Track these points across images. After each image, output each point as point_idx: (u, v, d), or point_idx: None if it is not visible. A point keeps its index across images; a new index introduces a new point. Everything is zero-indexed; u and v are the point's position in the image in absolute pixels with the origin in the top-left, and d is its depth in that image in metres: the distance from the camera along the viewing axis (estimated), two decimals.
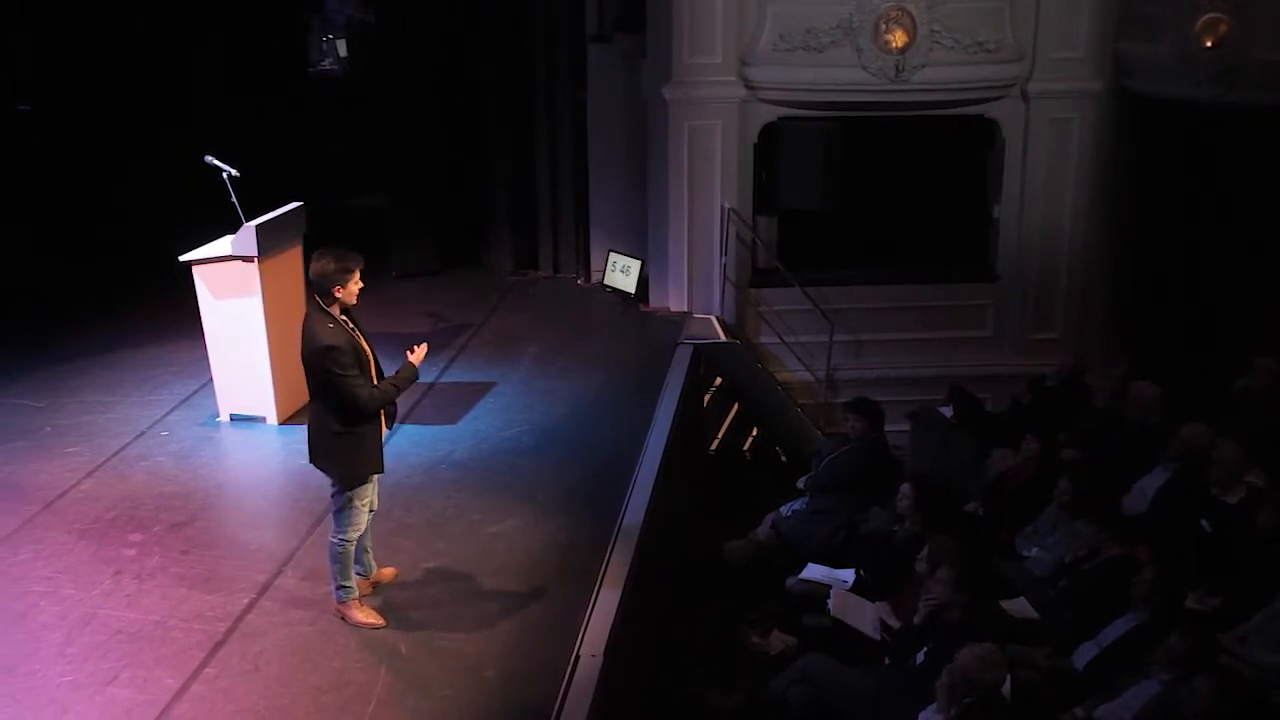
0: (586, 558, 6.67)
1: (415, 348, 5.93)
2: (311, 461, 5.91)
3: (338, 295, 5.67)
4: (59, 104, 12.53)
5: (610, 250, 11.58)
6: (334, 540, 5.91)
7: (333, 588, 6.04)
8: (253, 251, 7.85)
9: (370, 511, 6.06)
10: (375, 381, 5.84)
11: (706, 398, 10.71)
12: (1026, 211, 11.18)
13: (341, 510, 5.86)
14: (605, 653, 5.79)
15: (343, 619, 6.04)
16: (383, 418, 5.88)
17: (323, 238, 8.94)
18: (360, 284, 5.75)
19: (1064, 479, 7.59)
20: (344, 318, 5.76)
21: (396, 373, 5.86)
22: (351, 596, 6.04)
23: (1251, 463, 7.59)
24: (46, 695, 5.46)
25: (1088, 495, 7.44)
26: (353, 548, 5.96)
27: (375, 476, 5.97)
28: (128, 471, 7.66)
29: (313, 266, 5.69)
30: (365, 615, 6.04)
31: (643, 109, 11.29)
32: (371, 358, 5.87)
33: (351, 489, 5.82)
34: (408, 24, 11.69)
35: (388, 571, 6.46)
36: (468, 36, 11.79)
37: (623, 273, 11.44)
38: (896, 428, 9.63)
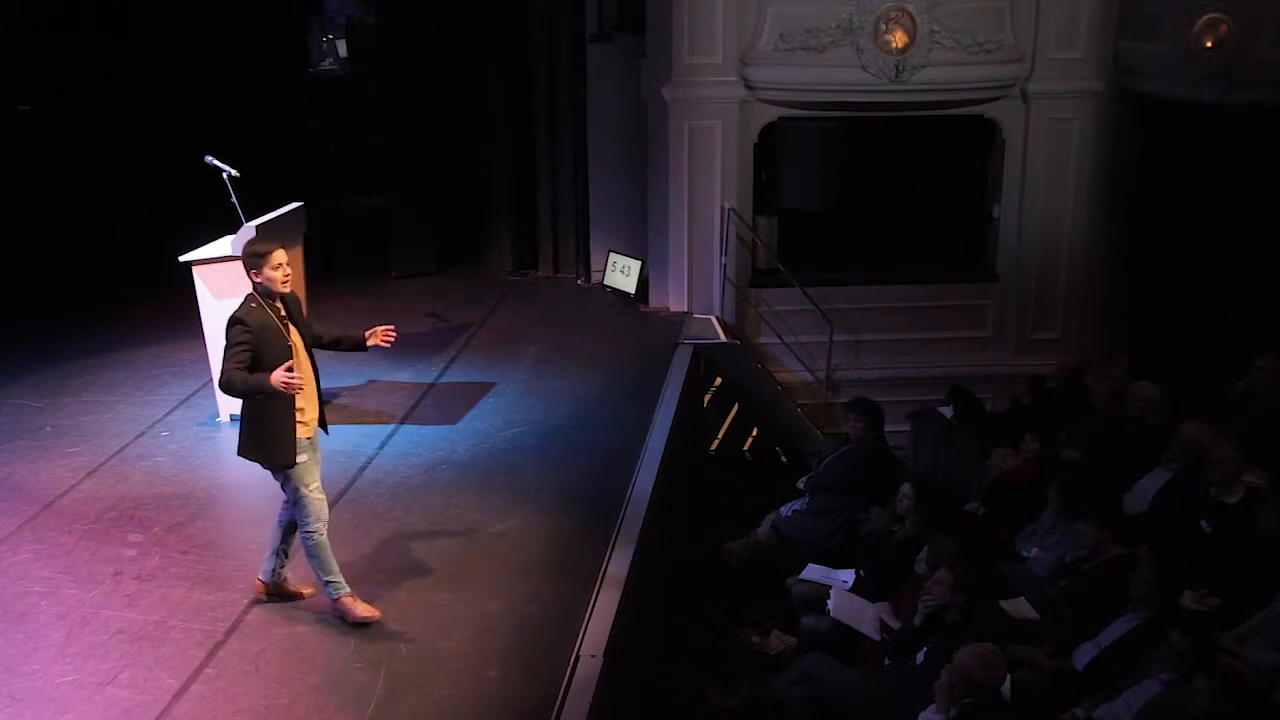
0: (586, 558, 6.67)
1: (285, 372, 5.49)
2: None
3: (256, 280, 5.72)
4: (59, 104, 12.54)
5: (610, 250, 11.59)
6: (303, 535, 5.90)
7: (320, 585, 6.03)
8: None
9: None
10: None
11: (706, 398, 10.71)
12: (1026, 211, 11.18)
13: (296, 502, 5.86)
14: (605, 653, 5.78)
15: (341, 616, 6.02)
16: (293, 409, 5.75)
17: (323, 238, 9.02)
18: (282, 271, 5.70)
19: (1052, 489, 7.60)
20: (278, 304, 5.76)
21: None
22: (341, 591, 6.00)
23: (1252, 463, 7.59)
24: (46, 695, 5.45)
25: (1078, 501, 7.44)
26: (324, 538, 5.91)
27: (317, 472, 5.94)
28: (128, 471, 7.66)
29: None
30: (360, 609, 6.02)
31: (643, 109, 11.30)
32: (298, 351, 5.80)
33: (282, 472, 5.80)
34: (408, 24, 11.69)
35: (294, 586, 6.25)
36: (468, 36, 11.79)
37: (623, 273, 11.44)
38: (896, 428, 9.61)
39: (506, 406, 8.83)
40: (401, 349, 9.81)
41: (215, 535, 6.92)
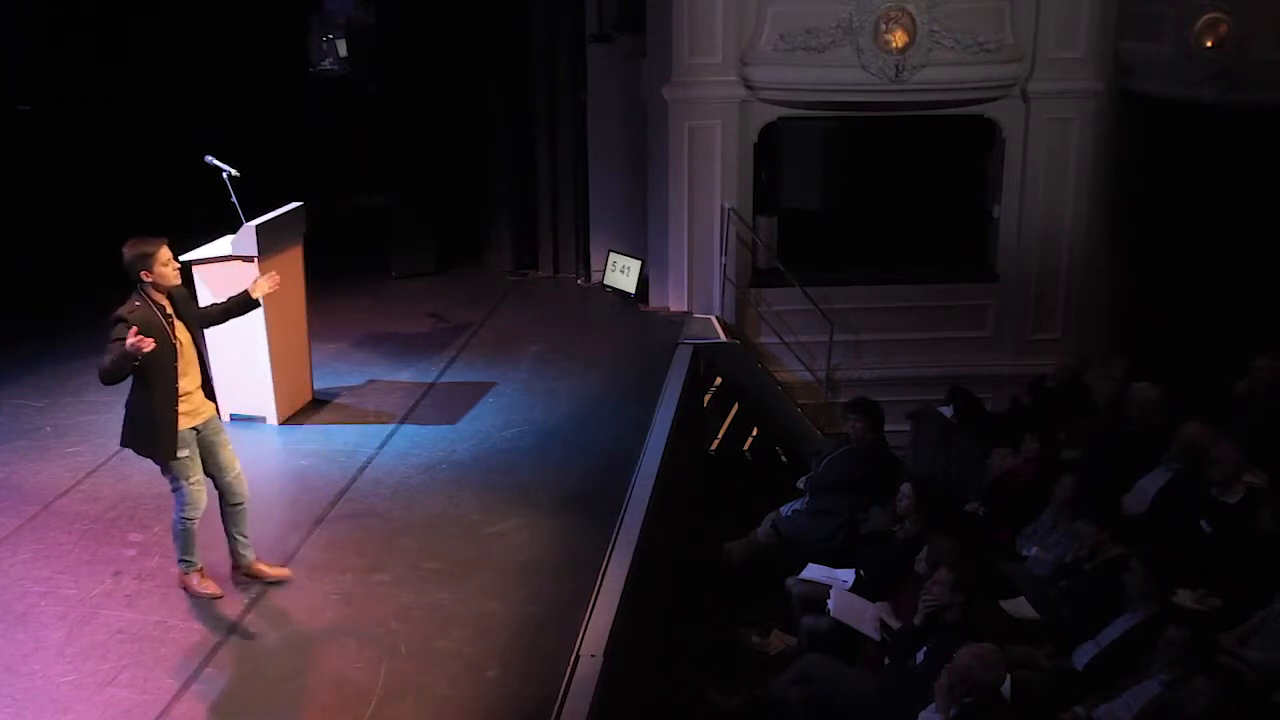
0: (586, 558, 6.67)
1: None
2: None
3: (147, 279, 5.82)
4: (59, 104, 12.52)
5: (610, 250, 11.58)
6: (176, 518, 6.09)
7: (176, 559, 6.23)
8: (253, 251, 7.85)
9: (236, 505, 6.21)
10: (180, 368, 5.88)
11: (706, 398, 10.70)
12: (1026, 211, 11.18)
13: (175, 491, 6.02)
14: (605, 653, 5.79)
15: (184, 590, 6.22)
16: (175, 402, 5.89)
17: (323, 238, 9.01)
18: (171, 266, 5.86)
19: (1067, 475, 7.59)
20: (163, 300, 5.86)
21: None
22: (192, 569, 6.21)
23: (1252, 463, 7.58)
24: (46, 695, 5.46)
25: (1089, 492, 7.44)
26: (195, 525, 6.10)
27: (232, 464, 6.16)
28: (128, 471, 7.64)
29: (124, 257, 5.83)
30: (203, 586, 6.21)
31: (643, 109, 11.30)
32: (187, 345, 5.95)
33: (165, 464, 5.93)
34: (408, 24, 11.69)
35: (269, 569, 6.42)
36: (468, 36, 11.79)
37: (623, 273, 11.44)
38: (896, 428, 9.62)
39: (506, 406, 8.83)
40: (401, 349, 9.88)
41: (215, 535, 6.86)
